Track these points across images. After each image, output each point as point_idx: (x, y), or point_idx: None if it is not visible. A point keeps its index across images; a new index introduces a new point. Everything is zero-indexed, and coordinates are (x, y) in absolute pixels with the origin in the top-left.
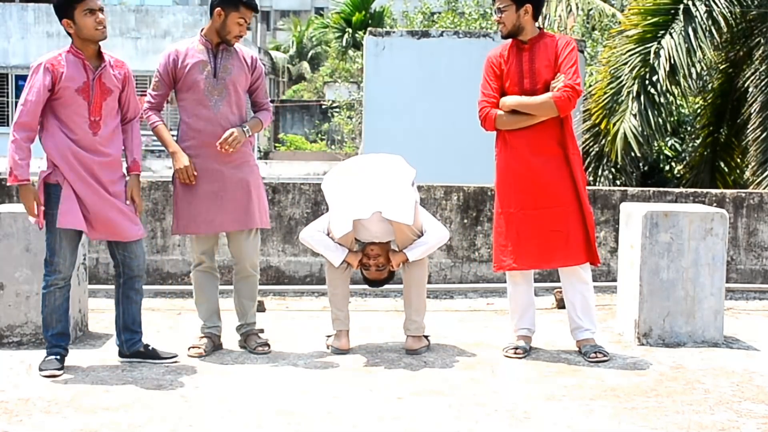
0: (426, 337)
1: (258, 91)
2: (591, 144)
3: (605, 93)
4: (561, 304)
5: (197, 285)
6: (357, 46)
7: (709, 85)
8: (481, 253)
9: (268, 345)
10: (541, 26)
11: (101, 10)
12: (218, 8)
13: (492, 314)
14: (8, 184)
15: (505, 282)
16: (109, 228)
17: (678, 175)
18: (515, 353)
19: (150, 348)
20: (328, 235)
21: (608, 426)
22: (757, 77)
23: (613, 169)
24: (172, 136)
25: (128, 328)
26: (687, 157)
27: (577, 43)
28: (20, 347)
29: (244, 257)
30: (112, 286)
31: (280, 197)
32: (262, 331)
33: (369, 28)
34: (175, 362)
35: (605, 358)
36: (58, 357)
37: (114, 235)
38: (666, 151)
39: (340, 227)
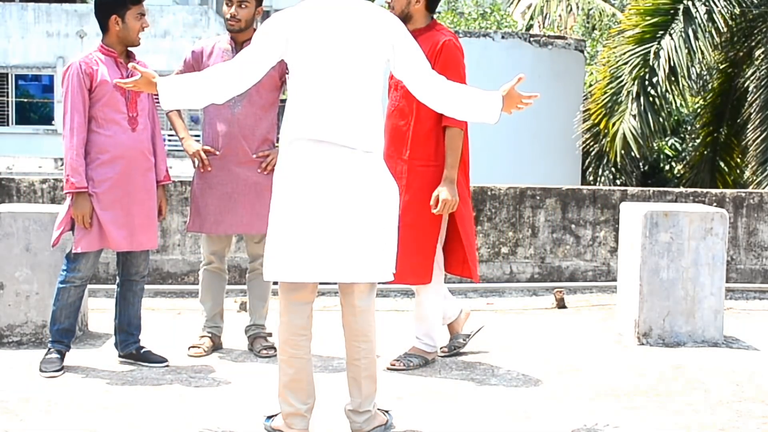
0: (385, 411)
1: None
2: (591, 144)
3: (605, 93)
4: (561, 304)
5: (204, 284)
6: None
7: (709, 85)
8: (481, 252)
9: (274, 348)
10: (434, 18)
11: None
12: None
13: (492, 314)
14: (64, 191)
15: (504, 282)
16: (128, 237)
17: (678, 175)
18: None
19: (143, 351)
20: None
21: (608, 426)
22: (757, 77)
23: (613, 169)
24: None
25: (123, 329)
26: (687, 157)
27: (454, 42)
28: (20, 347)
29: (256, 256)
30: (112, 286)
31: None
32: (270, 335)
33: None
34: (166, 366)
35: (401, 368)
36: (59, 355)
37: (131, 244)
38: (666, 151)
39: (273, 274)
